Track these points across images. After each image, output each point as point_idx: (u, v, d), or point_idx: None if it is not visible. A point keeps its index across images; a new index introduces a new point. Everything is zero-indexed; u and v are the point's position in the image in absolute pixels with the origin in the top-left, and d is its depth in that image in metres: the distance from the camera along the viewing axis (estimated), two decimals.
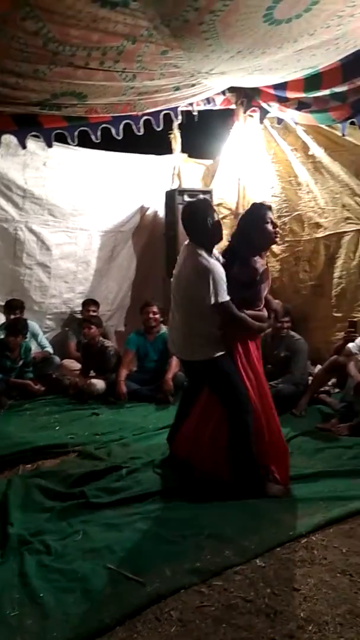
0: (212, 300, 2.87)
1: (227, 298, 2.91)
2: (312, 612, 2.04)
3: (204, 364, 3.07)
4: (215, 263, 2.97)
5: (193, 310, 3.03)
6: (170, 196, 6.08)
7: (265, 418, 3.07)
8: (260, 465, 3.03)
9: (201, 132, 6.18)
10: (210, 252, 3.05)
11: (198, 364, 3.12)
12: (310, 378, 4.81)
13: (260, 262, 3.08)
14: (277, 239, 3.21)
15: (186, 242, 3.15)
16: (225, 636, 1.94)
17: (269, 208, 3.15)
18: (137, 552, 2.45)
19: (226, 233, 6.41)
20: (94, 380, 5.13)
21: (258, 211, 3.13)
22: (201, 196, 2.71)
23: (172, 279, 3.25)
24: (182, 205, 5.99)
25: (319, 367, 4.95)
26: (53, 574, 2.29)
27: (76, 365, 5.54)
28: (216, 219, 3.10)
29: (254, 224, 3.08)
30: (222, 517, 2.75)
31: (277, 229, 3.17)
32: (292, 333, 4.92)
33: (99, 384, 5.11)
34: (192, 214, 3.14)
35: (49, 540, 2.53)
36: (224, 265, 3.07)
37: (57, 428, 4.27)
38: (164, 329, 5.12)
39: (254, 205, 3.28)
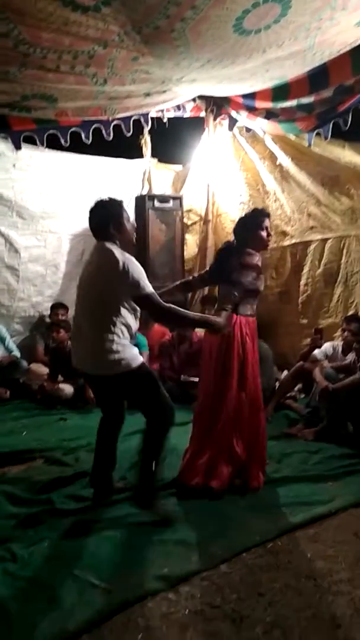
0: (139, 292, 2.65)
1: (152, 290, 2.70)
2: (278, 617, 2.06)
3: (122, 377, 2.72)
4: (131, 257, 2.76)
5: (108, 311, 2.69)
6: (140, 201, 6.08)
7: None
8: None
9: (171, 138, 6.21)
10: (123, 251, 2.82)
11: (115, 379, 2.74)
12: (277, 384, 4.87)
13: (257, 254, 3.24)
14: (269, 246, 3.38)
15: (95, 244, 2.93)
16: None
17: (268, 215, 3.31)
18: (103, 559, 2.43)
19: (194, 239, 6.61)
20: (62, 385, 5.08)
21: (256, 218, 3.27)
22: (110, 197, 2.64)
23: (78, 284, 2.95)
24: (152, 210, 6.02)
25: (285, 372, 5.01)
26: (18, 582, 2.26)
27: (44, 370, 5.47)
28: (130, 221, 2.93)
29: (250, 228, 3.24)
30: (189, 523, 2.75)
31: (271, 237, 3.32)
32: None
33: (67, 388, 5.06)
34: (105, 211, 2.95)
35: (15, 547, 2.49)
36: (221, 259, 3.19)
37: (24, 434, 4.21)
38: None
39: (255, 210, 3.42)
